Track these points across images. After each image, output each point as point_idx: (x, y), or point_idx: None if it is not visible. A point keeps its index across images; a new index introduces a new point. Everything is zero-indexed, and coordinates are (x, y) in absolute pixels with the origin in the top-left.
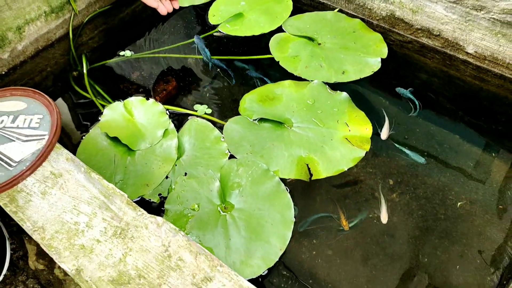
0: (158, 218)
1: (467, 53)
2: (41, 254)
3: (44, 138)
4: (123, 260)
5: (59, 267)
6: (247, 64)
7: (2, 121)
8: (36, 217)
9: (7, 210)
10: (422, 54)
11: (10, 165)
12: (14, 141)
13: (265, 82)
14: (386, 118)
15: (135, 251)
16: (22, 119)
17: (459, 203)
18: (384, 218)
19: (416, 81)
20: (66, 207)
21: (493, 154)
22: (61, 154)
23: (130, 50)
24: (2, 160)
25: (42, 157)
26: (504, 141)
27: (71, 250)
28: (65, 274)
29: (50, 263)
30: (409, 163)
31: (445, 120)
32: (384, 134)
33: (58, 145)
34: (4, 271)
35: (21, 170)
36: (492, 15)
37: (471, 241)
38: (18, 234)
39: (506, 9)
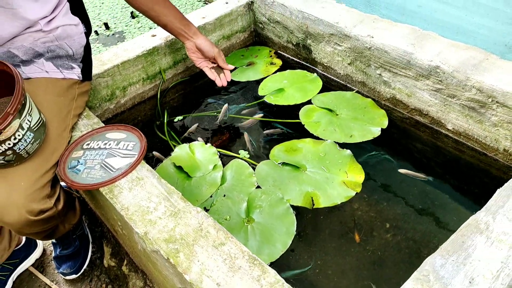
0: (198, 208)
1: (448, 129)
2: (114, 254)
3: (134, 156)
4: (173, 229)
5: (126, 264)
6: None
7: (110, 144)
8: (124, 202)
9: (107, 197)
10: (417, 128)
11: (111, 170)
12: (116, 156)
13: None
14: None
15: (181, 225)
16: (122, 144)
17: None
18: None
19: (413, 149)
20: (143, 198)
21: (473, 212)
22: (144, 166)
23: (181, 115)
24: (107, 167)
25: (132, 167)
26: (480, 201)
27: (143, 221)
28: (130, 270)
29: (120, 261)
30: (404, 211)
31: (436, 182)
32: None
33: (143, 161)
34: (85, 267)
35: (118, 174)
36: (461, 101)
37: None
38: (100, 239)
39: (470, 97)
